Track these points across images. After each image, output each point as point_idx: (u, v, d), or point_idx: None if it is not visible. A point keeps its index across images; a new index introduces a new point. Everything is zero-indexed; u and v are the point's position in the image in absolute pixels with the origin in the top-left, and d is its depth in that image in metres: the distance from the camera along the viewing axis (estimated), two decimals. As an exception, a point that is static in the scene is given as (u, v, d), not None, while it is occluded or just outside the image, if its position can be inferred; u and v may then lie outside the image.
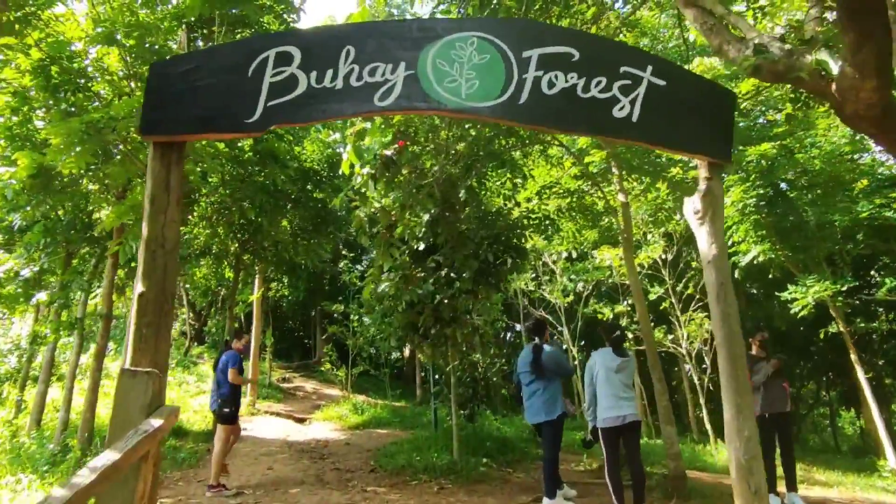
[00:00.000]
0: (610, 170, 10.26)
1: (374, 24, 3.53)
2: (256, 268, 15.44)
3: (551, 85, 3.45)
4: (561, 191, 9.93)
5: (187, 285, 20.98)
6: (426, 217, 7.94)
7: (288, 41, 3.37)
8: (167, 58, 6.24)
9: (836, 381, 26.88)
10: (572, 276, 15.03)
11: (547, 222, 9.74)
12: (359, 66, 3.35)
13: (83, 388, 11.95)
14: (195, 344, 28.96)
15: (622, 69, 3.53)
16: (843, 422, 37.12)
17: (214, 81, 3.27)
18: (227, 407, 7.92)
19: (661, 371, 8.61)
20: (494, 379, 11.22)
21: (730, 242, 13.98)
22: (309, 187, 13.60)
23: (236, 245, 13.15)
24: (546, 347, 7.06)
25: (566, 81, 3.46)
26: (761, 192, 12.60)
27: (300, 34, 3.53)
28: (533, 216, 9.81)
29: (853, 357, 12.30)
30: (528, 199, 9.92)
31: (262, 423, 15.28)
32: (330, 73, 3.33)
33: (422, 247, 9.29)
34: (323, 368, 20.96)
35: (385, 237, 6.19)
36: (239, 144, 10.77)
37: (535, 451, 10.75)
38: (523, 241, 9.88)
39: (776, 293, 17.01)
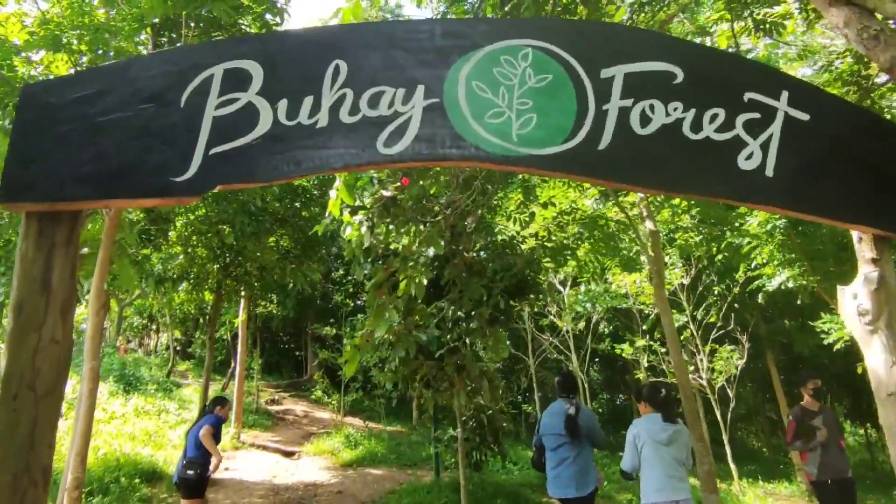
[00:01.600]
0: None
1: (377, 26, 2.33)
2: (242, 292, 14.17)
3: (646, 120, 2.26)
4: (580, 217, 8.76)
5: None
6: (431, 252, 6.76)
7: (243, 52, 2.16)
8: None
9: (842, 395, 25.82)
10: (585, 302, 13.84)
11: (567, 252, 8.57)
12: (353, 91, 2.15)
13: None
14: (179, 359, 27.61)
15: (747, 96, 2.35)
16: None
17: (124, 116, 2.05)
18: (192, 469, 6.64)
19: (702, 430, 7.44)
20: (504, 424, 10.02)
21: (752, 265, 12.90)
22: (297, 205, 12.35)
23: (217, 269, 11.91)
24: (583, 406, 5.87)
25: (667, 115, 2.28)
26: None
27: (262, 41, 2.32)
28: (549, 245, 8.64)
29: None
30: (545, 227, 8.75)
31: (248, 460, 14.01)
32: (308, 102, 2.13)
33: (425, 281, 8.12)
34: (314, 396, 19.70)
35: (380, 295, 5.01)
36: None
37: (550, 502, 9.56)
38: (539, 273, 8.75)
39: (800, 318, 15.98)
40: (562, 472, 5.72)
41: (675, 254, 13.04)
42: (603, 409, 24.56)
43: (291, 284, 14.67)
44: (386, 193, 4.32)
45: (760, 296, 13.19)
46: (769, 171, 2.29)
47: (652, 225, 8.42)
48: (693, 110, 2.31)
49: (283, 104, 2.14)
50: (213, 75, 2.13)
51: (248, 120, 2.11)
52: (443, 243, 6.50)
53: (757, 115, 2.34)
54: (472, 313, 7.33)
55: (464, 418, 9.57)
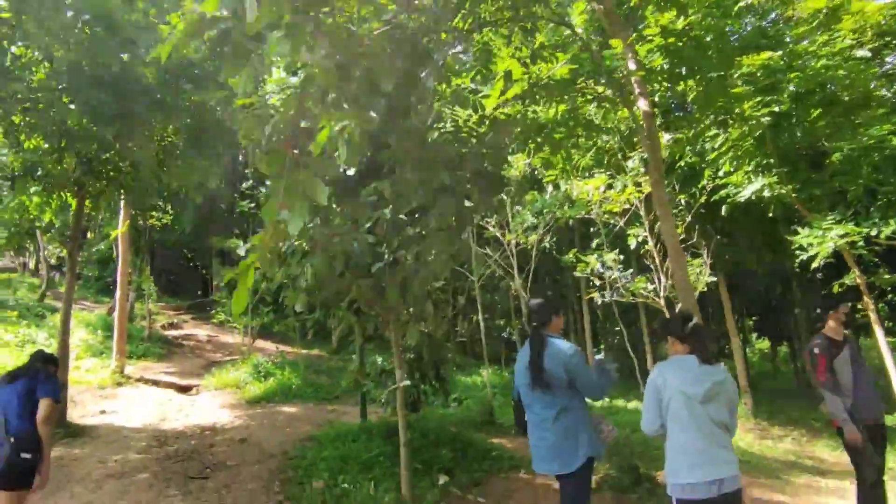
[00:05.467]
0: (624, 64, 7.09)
1: None
2: (122, 197, 11.26)
3: None
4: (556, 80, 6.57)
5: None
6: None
7: None
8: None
9: (756, 311, 26.00)
10: (543, 210, 11.91)
11: (540, 137, 6.50)
12: None
13: None
14: (57, 276, 24.06)
15: None
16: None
17: None
18: (27, 450, 4.43)
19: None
20: (450, 355, 8.17)
21: (721, 172, 11.40)
22: (190, 87, 9.35)
23: (75, 166, 9.01)
24: (556, 342, 3.91)
25: None
26: (766, 110, 9.64)
27: None
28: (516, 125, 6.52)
29: (872, 316, 10.11)
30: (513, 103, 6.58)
31: (132, 399, 11.64)
32: None
33: (351, 171, 5.88)
34: (216, 320, 17.28)
35: (290, 149, 2.75)
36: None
37: (506, 451, 7.86)
38: (504, 166, 6.69)
39: (750, 234, 14.85)
40: (542, 441, 3.89)
41: (636, 155, 11.25)
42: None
43: (183, 192, 11.76)
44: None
45: (724, 208, 11.78)
46: None
47: (646, 104, 6.45)
48: None
49: None
50: None
51: None
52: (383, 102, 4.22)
53: None
54: (418, 216, 5.21)
55: (401, 349, 7.60)
